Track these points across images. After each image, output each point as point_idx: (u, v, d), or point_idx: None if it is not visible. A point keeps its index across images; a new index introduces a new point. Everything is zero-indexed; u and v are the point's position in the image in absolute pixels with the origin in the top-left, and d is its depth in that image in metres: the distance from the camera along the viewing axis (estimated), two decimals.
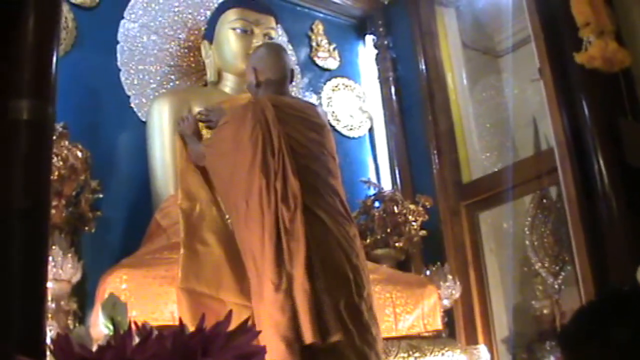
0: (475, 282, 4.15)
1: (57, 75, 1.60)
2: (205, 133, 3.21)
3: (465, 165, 4.50)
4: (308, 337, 2.36)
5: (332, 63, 4.84)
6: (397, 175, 4.65)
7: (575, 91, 3.32)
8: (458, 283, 3.75)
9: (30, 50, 1.55)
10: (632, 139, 3.17)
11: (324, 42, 4.83)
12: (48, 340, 1.44)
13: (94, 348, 1.13)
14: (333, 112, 4.66)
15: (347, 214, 2.72)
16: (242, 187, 2.64)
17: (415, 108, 4.66)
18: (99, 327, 1.36)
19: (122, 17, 3.91)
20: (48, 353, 1.32)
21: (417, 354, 3.20)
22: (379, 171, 4.77)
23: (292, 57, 4.38)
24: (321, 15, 4.92)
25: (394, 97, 4.79)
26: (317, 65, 4.76)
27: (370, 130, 4.87)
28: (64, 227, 3.11)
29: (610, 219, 3.13)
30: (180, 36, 4.06)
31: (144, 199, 3.55)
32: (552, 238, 3.69)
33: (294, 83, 3.42)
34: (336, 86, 4.79)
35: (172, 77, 3.99)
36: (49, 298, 2.69)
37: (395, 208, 4.08)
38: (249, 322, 1.22)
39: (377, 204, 4.14)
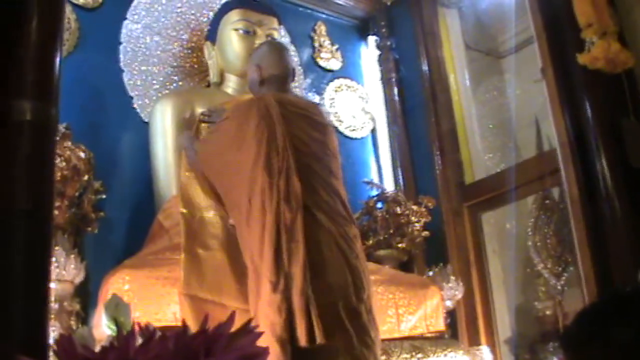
0: (478, 283, 4.14)
1: (60, 76, 1.61)
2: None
3: (468, 166, 4.49)
4: (303, 339, 2.35)
5: (335, 64, 4.84)
6: (400, 176, 4.65)
7: (577, 92, 3.31)
8: (461, 284, 3.74)
9: (33, 51, 1.55)
10: (634, 139, 3.16)
11: (327, 43, 4.84)
12: (51, 341, 1.44)
13: (97, 349, 1.14)
14: (336, 113, 4.66)
15: (348, 215, 2.69)
16: (245, 185, 2.62)
17: (418, 109, 4.66)
18: (102, 328, 1.36)
19: (125, 18, 3.91)
20: (51, 354, 1.32)
21: (419, 355, 3.20)
22: (381, 172, 4.77)
23: (295, 58, 4.39)
24: (324, 16, 4.93)
25: (396, 97, 4.79)
26: (319, 66, 4.77)
27: (373, 131, 4.87)
28: (67, 227, 3.12)
29: (612, 219, 3.13)
30: (183, 37, 4.06)
31: (147, 200, 3.55)
32: (555, 239, 3.69)
33: (296, 84, 3.42)
34: (339, 87, 4.80)
35: (175, 78, 4.00)
36: (52, 299, 2.69)
37: (397, 209, 4.07)
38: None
39: (379, 204, 4.14)
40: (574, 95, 3.33)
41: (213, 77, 3.89)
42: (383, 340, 2.87)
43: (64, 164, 3.09)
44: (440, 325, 3.41)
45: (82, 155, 3.21)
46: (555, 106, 3.42)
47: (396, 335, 3.24)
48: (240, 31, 3.75)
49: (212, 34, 3.89)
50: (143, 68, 3.90)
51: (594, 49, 3.09)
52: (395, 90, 4.81)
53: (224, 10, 3.86)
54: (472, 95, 4.74)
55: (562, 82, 3.38)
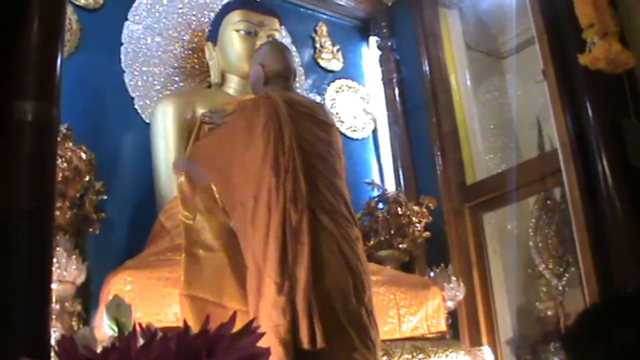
0: (479, 283, 4.14)
1: (62, 76, 1.60)
2: None
3: (469, 167, 4.49)
4: (305, 341, 2.33)
5: (336, 64, 4.84)
6: (401, 177, 4.65)
7: (579, 92, 3.31)
8: (462, 284, 3.75)
9: (35, 51, 1.55)
10: (635, 139, 3.16)
11: (328, 43, 4.84)
12: (52, 342, 1.44)
13: (99, 349, 1.14)
14: (337, 113, 4.66)
15: (351, 216, 2.67)
16: (251, 184, 2.58)
17: (419, 109, 4.66)
18: (104, 329, 1.37)
19: (126, 19, 3.92)
20: (52, 354, 1.32)
21: (420, 356, 3.19)
22: (382, 172, 4.77)
23: (296, 59, 4.39)
24: (325, 16, 4.93)
25: (397, 98, 4.79)
26: (320, 66, 4.77)
27: (374, 131, 4.88)
28: (68, 228, 3.12)
29: (614, 219, 3.12)
30: (184, 38, 4.07)
31: (148, 201, 3.55)
32: (556, 239, 3.69)
33: (297, 84, 3.42)
34: (340, 87, 4.80)
35: (176, 78, 4.00)
36: (54, 299, 2.70)
37: (399, 209, 4.07)
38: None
39: (380, 205, 4.14)
40: (575, 96, 3.33)
41: (214, 77, 3.89)
42: (384, 340, 2.87)
43: (65, 164, 3.10)
44: (441, 325, 3.41)
45: (84, 156, 3.22)
46: (557, 107, 3.42)
47: (397, 335, 3.24)
48: (242, 32, 3.75)
49: (213, 35, 3.89)
50: (144, 69, 3.90)
51: (595, 50, 3.08)
52: (396, 90, 4.80)
53: (225, 11, 3.87)
54: (473, 96, 4.74)
55: (563, 82, 3.38)
